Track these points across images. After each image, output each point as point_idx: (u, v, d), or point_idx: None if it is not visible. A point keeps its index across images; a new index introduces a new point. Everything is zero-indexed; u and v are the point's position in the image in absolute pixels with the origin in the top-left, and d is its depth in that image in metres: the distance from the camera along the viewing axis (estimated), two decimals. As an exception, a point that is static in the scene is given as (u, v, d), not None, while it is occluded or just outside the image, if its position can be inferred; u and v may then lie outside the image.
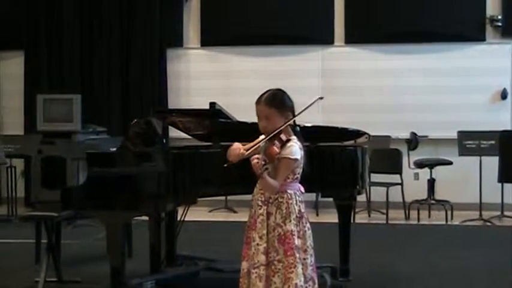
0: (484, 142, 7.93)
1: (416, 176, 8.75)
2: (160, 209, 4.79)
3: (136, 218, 4.78)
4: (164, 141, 5.25)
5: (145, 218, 5.01)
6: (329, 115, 8.24)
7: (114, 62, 9.44)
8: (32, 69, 9.62)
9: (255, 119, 3.67)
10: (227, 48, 9.34)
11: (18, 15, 9.63)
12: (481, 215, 8.06)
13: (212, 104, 4.89)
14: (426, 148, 8.72)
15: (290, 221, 3.53)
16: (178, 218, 5.34)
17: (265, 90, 3.66)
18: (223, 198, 8.60)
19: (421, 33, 8.90)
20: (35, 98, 8.75)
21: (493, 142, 7.60)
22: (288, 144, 3.52)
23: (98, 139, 8.31)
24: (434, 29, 8.88)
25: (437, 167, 8.38)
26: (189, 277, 5.25)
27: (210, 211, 8.75)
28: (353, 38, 9.15)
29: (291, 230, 3.52)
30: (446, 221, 8.08)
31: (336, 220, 5.10)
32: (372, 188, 8.10)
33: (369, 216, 8.41)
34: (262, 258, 3.52)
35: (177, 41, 9.51)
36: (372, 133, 5.14)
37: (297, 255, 3.51)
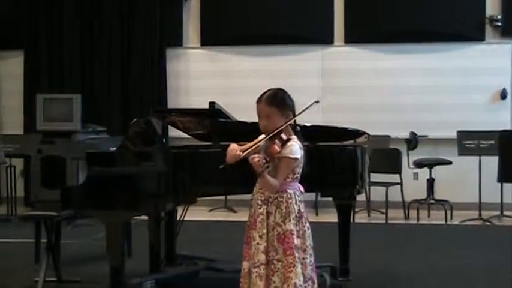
0: (484, 142, 7.93)
1: (416, 176, 8.76)
2: (160, 209, 4.79)
3: (136, 217, 4.78)
4: (164, 140, 5.24)
5: (145, 217, 5.01)
6: (329, 115, 8.26)
7: (114, 61, 9.44)
8: (31, 69, 9.62)
9: (254, 119, 3.67)
10: (227, 48, 9.34)
11: (18, 15, 9.63)
12: (480, 214, 8.06)
13: (212, 104, 4.89)
14: (426, 148, 8.72)
15: (289, 220, 3.54)
16: (178, 218, 5.35)
17: (265, 90, 3.66)
18: (223, 197, 8.58)
19: (420, 33, 8.90)
20: (34, 97, 8.72)
21: (492, 142, 7.60)
22: (289, 143, 3.52)
23: (97, 139, 8.29)
24: (434, 28, 8.88)
25: (437, 167, 8.38)
26: (188, 277, 5.24)
27: (209, 211, 8.75)
28: (353, 37, 9.14)
29: (291, 230, 3.53)
30: (446, 220, 8.08)
31: (336, 220, 5.09)
32: (371, 187, 8.10)
33: (369, 215, 8.41)
34: (262, 257, 3.52)
35: (177, 41, 9.51)
36: (372, 133, 5.14)
37: (296, 254, 3.51)
